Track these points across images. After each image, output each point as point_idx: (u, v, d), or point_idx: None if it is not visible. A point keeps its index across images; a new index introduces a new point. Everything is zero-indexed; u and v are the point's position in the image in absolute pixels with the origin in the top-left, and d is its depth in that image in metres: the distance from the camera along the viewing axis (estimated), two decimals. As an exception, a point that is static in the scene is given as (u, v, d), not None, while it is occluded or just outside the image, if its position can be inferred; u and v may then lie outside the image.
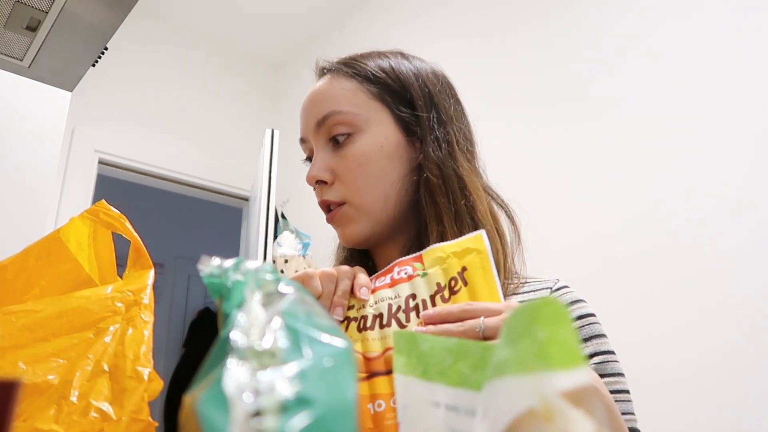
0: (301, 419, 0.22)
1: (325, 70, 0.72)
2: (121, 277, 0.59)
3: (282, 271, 2.08)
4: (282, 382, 0.23)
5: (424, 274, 0.49)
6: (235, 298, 0.31)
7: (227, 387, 0.23)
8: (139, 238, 0.58)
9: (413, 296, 0.48)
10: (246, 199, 2.72)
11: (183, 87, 2.66)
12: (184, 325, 3.76)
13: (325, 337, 0.27)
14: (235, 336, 0.26)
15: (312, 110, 0.68)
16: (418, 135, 0.66)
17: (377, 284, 0.51)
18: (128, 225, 0.59)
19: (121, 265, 0.58)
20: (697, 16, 1.31)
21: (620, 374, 0.58)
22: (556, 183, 1.52)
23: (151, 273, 0.57)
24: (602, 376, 0.57)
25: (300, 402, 0.23)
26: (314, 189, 0.67)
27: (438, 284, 0.48)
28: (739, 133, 1.19)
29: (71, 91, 1.15)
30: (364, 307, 0.50)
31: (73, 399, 0.45)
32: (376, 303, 0.49)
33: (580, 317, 0.61)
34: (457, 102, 0.72)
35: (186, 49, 2.72)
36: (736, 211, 1.16)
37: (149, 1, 2.48)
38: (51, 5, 0.85)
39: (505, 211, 0.67)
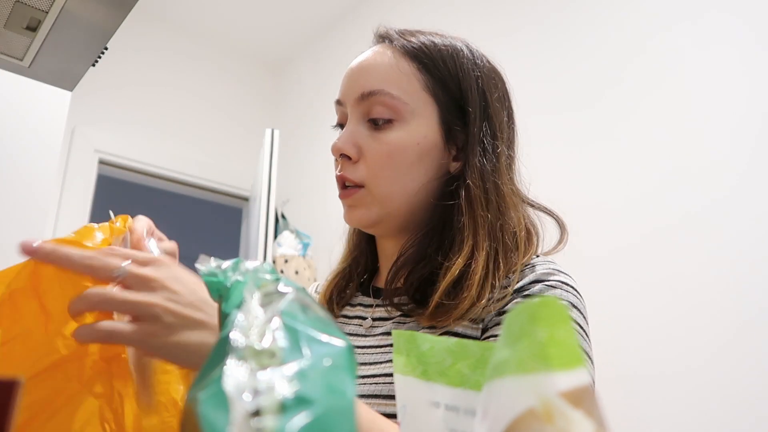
0: (300, 419, 0.22)
1: (385, 39, 0.67)
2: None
3: (282, 271, 2.08)
4: (281, 381, 0.23)
5: None
6: (235, 298, 0.31)
7: (227, 387, 0.23)
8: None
9: None
10: (246, 199, 2.72)
11: (183, 87, 2.66)
12: (184, 325, 3.76)
13: (324, 337, 0.27)
14: (235, 336, 0.26)
15: (360, 79, 0.63)
16: (456, 142, 0.63)
17: None
18: None
19: None
20: (703, 21, 1.31)
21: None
22: (555, 180, 1.52)
23: None
24: None
25: (299, 402, 0.22)
26: (335, 160, 0.64)
27: None
28: (737, 130, 1.19)
29: (71, 91, 1.15)
30: None
31: None
32: None
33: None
34: (510, 114, 0.69)
35: (186, 49, 2.72)
36: (731, 207, 1.16)
37: (149, 2, 2.48)
38: (51, 5, 0.85)
39: (558, 222, 0.68)
